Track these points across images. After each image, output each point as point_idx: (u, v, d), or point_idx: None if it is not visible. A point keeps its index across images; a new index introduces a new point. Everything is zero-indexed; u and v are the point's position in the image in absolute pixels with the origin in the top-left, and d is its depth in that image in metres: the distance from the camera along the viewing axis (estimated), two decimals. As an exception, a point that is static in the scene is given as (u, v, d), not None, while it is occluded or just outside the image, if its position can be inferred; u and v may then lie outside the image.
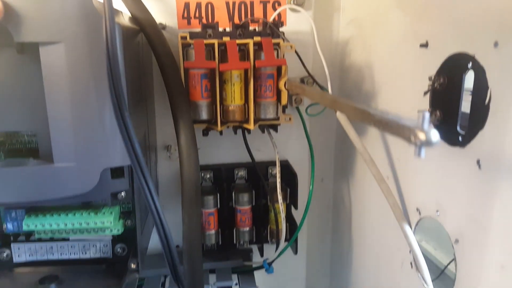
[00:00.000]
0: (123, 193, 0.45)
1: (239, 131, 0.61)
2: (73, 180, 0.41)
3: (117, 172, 0.44)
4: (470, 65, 0.33)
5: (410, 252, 0.45)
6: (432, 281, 0.41)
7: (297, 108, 0.63)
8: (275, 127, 0.59)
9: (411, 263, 0.46)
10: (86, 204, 0.46)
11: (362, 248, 0.62)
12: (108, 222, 0.44)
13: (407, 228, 0.43)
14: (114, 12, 0.38)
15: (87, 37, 0.39)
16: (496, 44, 0.30)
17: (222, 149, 0.66)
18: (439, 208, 0.40)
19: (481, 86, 0.32)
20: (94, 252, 0.48)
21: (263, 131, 0.61)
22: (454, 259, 0.38)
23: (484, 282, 0.30)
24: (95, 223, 0.43)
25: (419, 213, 0.43)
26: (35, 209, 0.45)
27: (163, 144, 0.65)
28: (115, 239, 0.48)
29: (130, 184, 0.45)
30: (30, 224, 0.43)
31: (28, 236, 0.47)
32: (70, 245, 0.48)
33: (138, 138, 0.50)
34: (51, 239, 0.47)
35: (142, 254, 0.50)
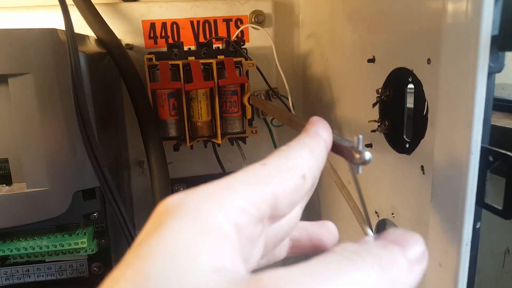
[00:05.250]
0: (95, 214, 0.46)
1: (210, 144, 0.63)
2: (46, 204, 0.43)
3: (88, 194, 0.45)
4: (410, 79, 0.37)
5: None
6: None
7: (264, 120, 0.66)
8: (243, 139, 0.61)
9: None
10: (60, 226, 0.47)
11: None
12: (82, 243, 0.45)
13: (368, 230, 0.46)
14: (77, 43, 0.40)
15: (55, 67, 0.41)
16: (429, 61, 0.33)
17: (194, 162, 0.68)
18: (394, 211, 0.43)
19: (419, 98, 0.35)
20: (70, 272, 0.49)
21: (232, 144, 0.64)
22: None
23: (428, 280, 0.33)
24: (69, 245, 0.45)
25: (378, 216, 0.46)
26: (9, 234, 0.46)
27: (135, 160, 0.67)
28: (91, 258, 0.49)
29: (102, 204, 0.46)
30: (5, 249, 0.44)
31: (4, 261, 0.48)
32: (46, 267, 0.49)
33: (109, 157, 0.52)
34: (27, 262, 0.48)
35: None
